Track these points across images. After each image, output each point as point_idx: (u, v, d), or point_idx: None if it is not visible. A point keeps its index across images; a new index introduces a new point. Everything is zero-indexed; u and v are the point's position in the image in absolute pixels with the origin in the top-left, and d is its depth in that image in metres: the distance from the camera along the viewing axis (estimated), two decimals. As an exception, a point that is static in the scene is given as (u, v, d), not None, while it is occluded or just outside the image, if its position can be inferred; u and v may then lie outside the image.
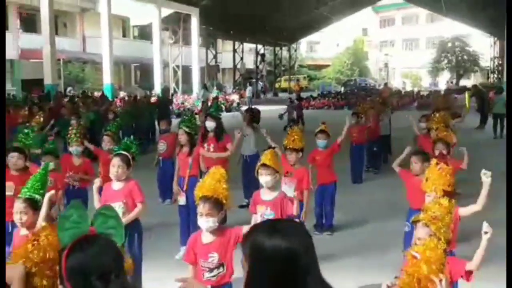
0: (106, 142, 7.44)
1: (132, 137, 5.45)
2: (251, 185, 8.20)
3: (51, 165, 5.94)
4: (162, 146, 9.19)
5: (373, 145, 11.92)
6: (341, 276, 5.85)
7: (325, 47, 68.44)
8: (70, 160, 7.03)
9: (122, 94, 26.74)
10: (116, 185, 4.92)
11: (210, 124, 7.69)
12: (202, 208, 3.58)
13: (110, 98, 21.69)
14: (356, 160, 11.04)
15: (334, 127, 8.00)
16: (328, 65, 65.02)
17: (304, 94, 35.61)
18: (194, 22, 34.39)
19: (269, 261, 1.63)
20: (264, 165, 4.83)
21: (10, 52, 30.71)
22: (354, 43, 64.95)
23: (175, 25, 35.55)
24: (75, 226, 1.79)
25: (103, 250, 1.71)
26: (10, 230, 5.42)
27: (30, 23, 32.62)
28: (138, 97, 20.96)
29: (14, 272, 2.21)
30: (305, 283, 1.65)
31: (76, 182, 6.89)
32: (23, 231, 3.84)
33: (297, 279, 1.64)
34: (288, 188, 5.90)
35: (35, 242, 2.44)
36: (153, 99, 22.10)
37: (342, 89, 49.87)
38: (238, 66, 45.27)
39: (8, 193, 5.59)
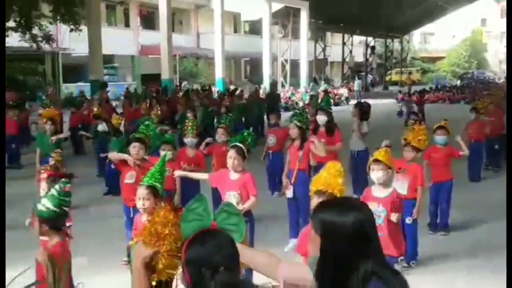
0: (220, 134, 7.67)
1: (251, 129, 5.61)
2: (360, 181, 8.08)
3: (169, 155, 6.27)
4: (271, 140, 9.32)
5: (493, 142, 11.24)
6: (452, 276, 5.62)
7: (439, 38, 65.28)
8: (184, 152, 7.34)
9: (232, 88, 27.47)
10: (233, 176, 5.09)
11: (321, 118, 7.65)
12: (316, 202, 3.58)
13: (222, 92, 22.41)
14: (474, 158, 10.45)
15: (450, 122, 7.63)
16: (443, 57, 61.99)
17: (416, 88, 34.29)
18: (304, 16, 34.41)
19: (342, 239, 1.78)
20: (376, 160, 4.75)
21: (131, 49, 32.75)
22: (472, 34, 61.30)
23: (285, 19, 35.82)
24: (198, 219, 1.87)
25: (221, 246, 1.77)
26: (132, 215, 5.82)
27: (149, 20, 34.53)
28: (248, 92, 21.43)
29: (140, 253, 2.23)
30: (375, 257, 1.81)
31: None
32: (145, 217, 4.07)
33: (367, 254, 1.79)
34: (401, 185, 5.73)
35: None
36: (261, 93, 22.49)
37: (458, 82, 47.37)
38: (347, 59, 44.61)
39: (130, 180, 5.99)
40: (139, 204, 4.04)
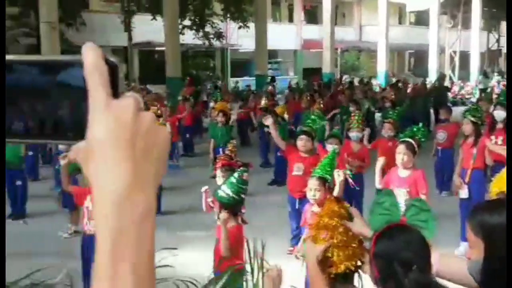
0: (387, 129, 7.49)
1: (421, 124, 5.43)
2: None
3: (336, 149, 6.31)
4: (441, 136, 8.89)
5: None
6: None
7: None
8: (349, 146, 7.30)
9: (394, 81, 26.66)
10: (403, 172, 4.95)
11: (500, 114, 7.07)
12: (497, 204, 3.33)
13: (383, 86, 21.89)
14: None
15: None
16: None
17: None
18: (476, 4, 32.09)
19: (506, 241, 1.68)
20: None
21: (294, 43, 33.43)
22: None
23: (455, 8, 33.74)
24: (387, 213, 1.85)
25: (411, 242, 1.73)
26: (297, 207, 5.97)
27: (312, 15, 34.93)
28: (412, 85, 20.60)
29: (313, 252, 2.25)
30: None
31: (353, 168, 7.12)
32: (315, 208, 4.15)
33: None
34: None
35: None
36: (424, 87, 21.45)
37: None
38: (526, 50, 40.58)
39: (298, 173, 6.14)
40: (310, 194, 4.13)
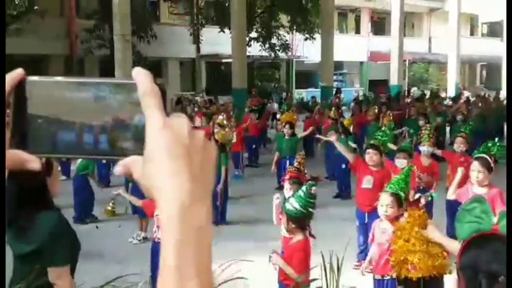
0: (459, 144, 7.20)
1: (497, 139, 5.20)
2: None
3: (404, 163, 6.15)
4: (517, 152, 8.47)
5: None
6: None
7: None
8: (419, 160, 7.09)
9: (466, 94, 25.78)
10: (478, 190, 4.74)
11: None
12: None
13: (453, 98, 21.22)
14: None
15: None
16: None
17: None
18: (555, 14, 30.53)
19: None
20: None
21: (360, 55, 33.06)
22: None
23: (531, 18, 32.26)
24: (476, 221, 1.74)
25: (500, 252, 1.61)
26: (365, 221, 5.85)
27: (379, 26, 34.41)
28: (487, 98, 19.83)
29: None
30: None
31: (422, 182, 6.91)
32: (385, 224, 4.03)
33: None
34: None
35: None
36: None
37: None
38: None
39: (367, 186, 6.01)
40: (382, 210, 4.02)
